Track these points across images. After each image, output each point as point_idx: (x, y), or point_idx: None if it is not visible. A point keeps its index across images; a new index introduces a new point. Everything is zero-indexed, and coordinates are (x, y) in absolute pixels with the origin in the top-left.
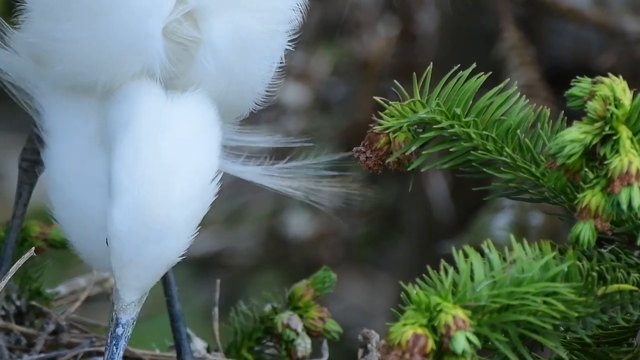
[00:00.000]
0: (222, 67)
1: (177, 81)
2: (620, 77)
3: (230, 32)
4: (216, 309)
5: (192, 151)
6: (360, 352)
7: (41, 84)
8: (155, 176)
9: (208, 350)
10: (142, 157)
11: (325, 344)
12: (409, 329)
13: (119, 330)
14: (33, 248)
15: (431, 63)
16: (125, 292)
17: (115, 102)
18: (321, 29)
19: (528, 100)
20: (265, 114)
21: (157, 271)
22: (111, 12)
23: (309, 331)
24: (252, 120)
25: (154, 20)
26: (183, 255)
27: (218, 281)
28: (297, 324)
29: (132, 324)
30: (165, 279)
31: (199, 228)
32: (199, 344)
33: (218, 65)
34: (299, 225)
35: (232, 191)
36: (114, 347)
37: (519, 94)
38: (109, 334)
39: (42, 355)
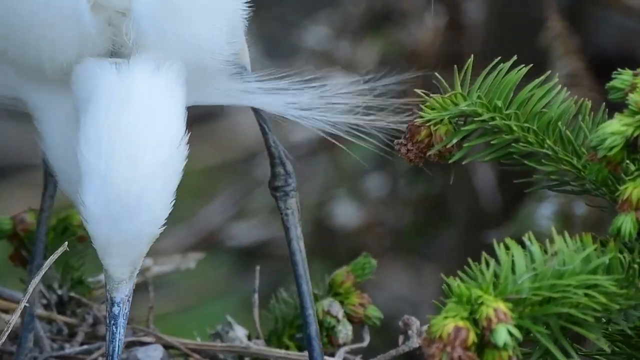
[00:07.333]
0: (151, 35)
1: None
2: None
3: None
4: (256, 296)
5: (153, 120)
6: (400, 338)
7: (20, 83)
8: (118, 152)
9: (249, 337)
10: (103, 134)
11: (366, 329)
12: (450, 322)
13: (115, 310)
14: (66, 243)
15: (472, 55)
16: (114, 272)
17: (74, 86)
18: (368, 18)
19: (569, 92)
20: None
21: (140, 247)
22: None
23: (349, 317)
24: None
25: None
26: (164, 225)
27: (257, 268)
28: (337, 310)
29: (128, 300)
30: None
31: (174, 197)
32: (240, 332)
33: (143, 33)
34: (345, 215)
35: None
36: (114, 326)
37: (560, 86)
38: (107, 315)
39: (85, 347)
